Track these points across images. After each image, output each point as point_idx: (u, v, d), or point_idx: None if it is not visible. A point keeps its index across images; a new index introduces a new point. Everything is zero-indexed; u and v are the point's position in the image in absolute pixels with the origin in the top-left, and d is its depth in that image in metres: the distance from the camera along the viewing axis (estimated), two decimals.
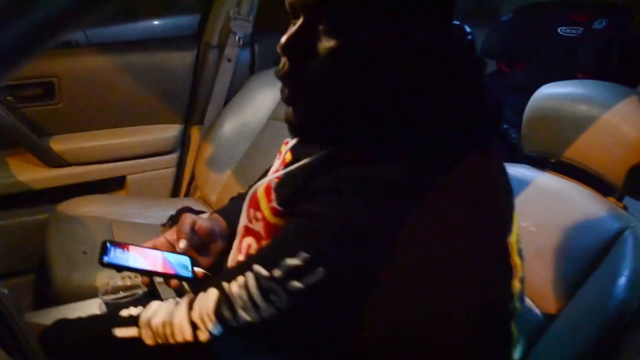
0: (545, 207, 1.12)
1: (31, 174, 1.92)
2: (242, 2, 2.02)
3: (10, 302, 0.69)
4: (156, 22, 2.78)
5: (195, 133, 2.18)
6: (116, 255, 0.92)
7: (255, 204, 0.83)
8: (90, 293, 1.17)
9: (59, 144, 1.95)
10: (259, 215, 0.82)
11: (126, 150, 2.07)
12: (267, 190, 0.81)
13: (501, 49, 2.37)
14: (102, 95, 2.00)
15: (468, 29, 0.78)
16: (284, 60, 0.73)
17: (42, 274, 1.75)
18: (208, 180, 2.04)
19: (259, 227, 0.82)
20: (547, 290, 1.02)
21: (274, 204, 0.79)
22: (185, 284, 0.99)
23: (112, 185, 2.09)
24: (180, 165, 2.19)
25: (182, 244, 0.98)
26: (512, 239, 0.76)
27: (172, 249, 1.00)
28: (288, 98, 0.75)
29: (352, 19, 0.68)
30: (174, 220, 1.75)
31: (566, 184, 1.15)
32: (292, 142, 0.88)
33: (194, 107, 2.16)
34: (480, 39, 2.34)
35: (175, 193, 2.21)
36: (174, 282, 0.95)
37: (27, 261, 1.89)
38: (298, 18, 0.71)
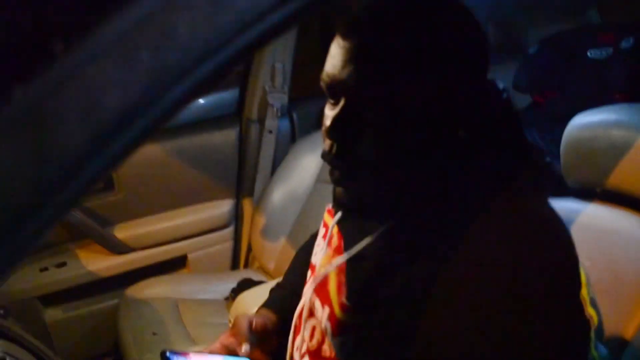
0: (597, 239, 1.09)
1: (99, 263, 2.02)
2: (275, 76, 2.13)
3: None
4: (201, 101, 2.92)
5: (247, 205, 2.26)
6: None
7: (324, 296, 0.82)
8: None
9: (122, 232, 2.07)
10: (327, 308, 0.81)
11: (184, 229, 2.16)
12: (339, 286, 0.80)
13: (533, 82, 2.38)
14: (156, 180, 2.11)
15: (500, 85, 0.79)
16: (329, 142, 0.73)
17: (118, 358, 1.83)
18: (264, 250, 2.10)
19: (323, 316, 0.81)
20: (610, 325, 1.01)
21: (344, 300, 0.78)
22: None
23: (175, 264, 2.18)
24: (237, 238, 2.27)
25: (245, 347, 0.92)
26: (583, 291, 0.74)
27: (228, 352, 0.96)
28: (338, 179, 0.74)
29: (396, 97, 0.68)
30: (236, 293, 1.80)
31: (615, 212, 1.12)
32: (337, 216, 0.88)
33: (242, 180, 2.25)
34: (505, 73, 2.36)
35: (234, 266, 2.27)
36: None
37: (103, 346, 1.98)
38: (338, 100, 0.71)
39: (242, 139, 2.23)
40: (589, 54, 2.27)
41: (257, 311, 1.04)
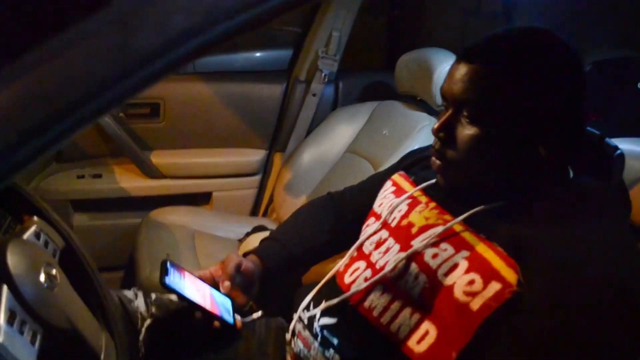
0: None
1: (131, 182, 2.17)
2: (330, 43, 2.21)
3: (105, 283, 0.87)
4: (257, 54, 3.03)
5: (277, 159, 2.37)
6: (174, 280, 0.94)
7: None
8: None
9: (158, 158, 2.20)
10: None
11: (215, 169, 2.29)
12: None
13: None
14: (199, 118, 2.23)
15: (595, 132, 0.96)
16: (435, 140, 0.92)
17: (129, 272, 1.97)
18: (284, 203, 2.20)
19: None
20: None
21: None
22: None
23: (199, 199, 2.30)
24: (262, 187, 2.38)
25: (226, 285, 1.02)
26: None
27: (213, 283, 1.04)
28: (438, 168, 0.92)
29: (489, 114, 0.84)
30: (248, 236, 1.92)
31: None
32: (423, 185, 1.03)
33: (278, 135, 2.35)
34: None
35: (254, 212, 2.39)
36: (216, 323, 0.99)
37: (120, 259, 2.13)
38: (448, 108, 0.89)
39: (286, 96, 2.32)
40: (639, 85, 2.27)
41: (247, 255, 1.14)
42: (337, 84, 2.37)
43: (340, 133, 2.20)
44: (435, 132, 0.90)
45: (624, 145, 1.20)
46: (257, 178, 2.37)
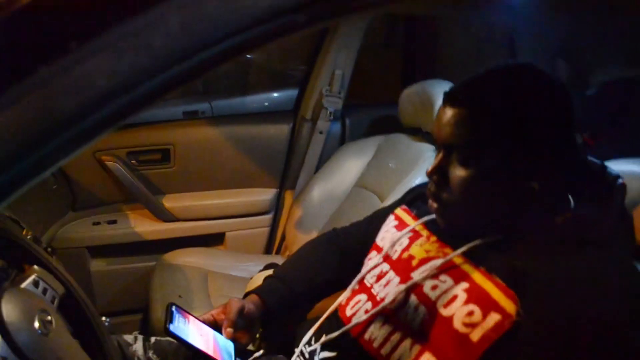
0: None
1: (145, 227, 2.22)
2: (333, 81, 2.26)
3: (104, 327, 0.90)
4: (275, 95, 3.09)
5: (288, 197, 2.40)
6: (179, 326, 0.96)
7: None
8: None
9: (171, 202, 2.25)
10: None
11: (227, 209, 2.33)
12: None
13: (588, 123, 2.38)
14: (209, 160, 2.28)
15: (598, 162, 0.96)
16: (430, 182, 0.93)
17: (146, 315, 1.99)
18: (296, 240, 2.22)
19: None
20: None
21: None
22: None
23: (213, 240, 2.34)
24: (274, 225, 2.41)
25: (228, 331, 1.03)
26: None
27: (216, 327, 1.06)
28: (436, 210, 0.94)
29: (478, 156, 0.86)
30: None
31: None
32: (424, 219, 1.05)
33: (288, 173, 2.39)
34: None
35: (268, 250, 2.41)
36: None
37: (137, 302, 2.15)
38: (440, 150, 0.92)
39: (294, 135, 2.37)
40: None
41: (248, 295, 1.16)
42: (343, 120, 2.41)
43: (349, 168, 2.23)
44: (429, 175, 0.92)
45: (633, 166, 1.19)
46: (269, 216, 2.40)
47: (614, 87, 2.39)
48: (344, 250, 1.25)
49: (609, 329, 0.73)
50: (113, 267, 2.21)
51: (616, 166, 1.18)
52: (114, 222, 2.20)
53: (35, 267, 0.86)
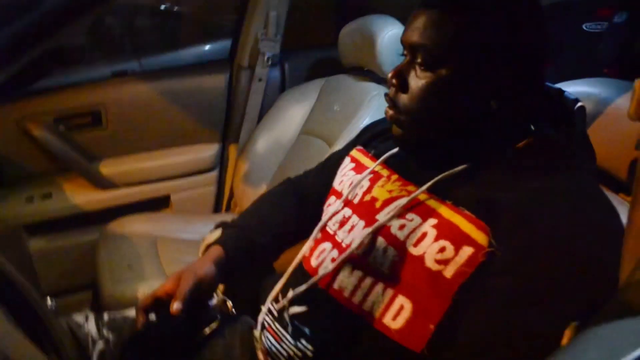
0: None
1: (84, 197, 2.08)
2: (269, 24, 2.13)
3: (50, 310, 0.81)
4: (207, 47, 2.94)
5: (232, 151, 2.30)
6: None
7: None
8: (133, 303, 1.26)
9: (108, 168, 2.11)
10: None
11: (169, 170, 2.21)
12: None
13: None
14: (144, 119, 2.14)
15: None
16: (390, 88, 0.90)
17: (96, 290, 1.89)
18: (245, 195, 2.15)
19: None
20: None
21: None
22: None
23: (158, 204, 2.23)
24: (220, 182, 2.32)
25: (177, 305, 0.92)
26: None
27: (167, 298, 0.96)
28: (391, 117, 0.91)
29: (441, 61, 0.84)
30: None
31: None
32: (384, 157, 1.02)
33: (229, 126, 2.28)
34: None
35: (217, 209, 2.33)
36: None
37: (84, 278, 2.03)
38: (406, 55, 0.89)
39: (232, 85, 2.25)
40: (584, 27, 2.26)
41: (209, 247, 1.09)
42: (282, 66, 2.31)
43: (292, 115, 2.16)
44: (390, 79, 0.90)
45: (576, 87, 1.19)
46: (215, 173, 2.31)
47: (553, 9, 2.38)
48: (302, 198, 1.21)
49: (585, 251, 0.72)
50: (54, 244, 2.06)
51: (566, 88, 1.18)
52: (49, 195, 2.04)
53: None
